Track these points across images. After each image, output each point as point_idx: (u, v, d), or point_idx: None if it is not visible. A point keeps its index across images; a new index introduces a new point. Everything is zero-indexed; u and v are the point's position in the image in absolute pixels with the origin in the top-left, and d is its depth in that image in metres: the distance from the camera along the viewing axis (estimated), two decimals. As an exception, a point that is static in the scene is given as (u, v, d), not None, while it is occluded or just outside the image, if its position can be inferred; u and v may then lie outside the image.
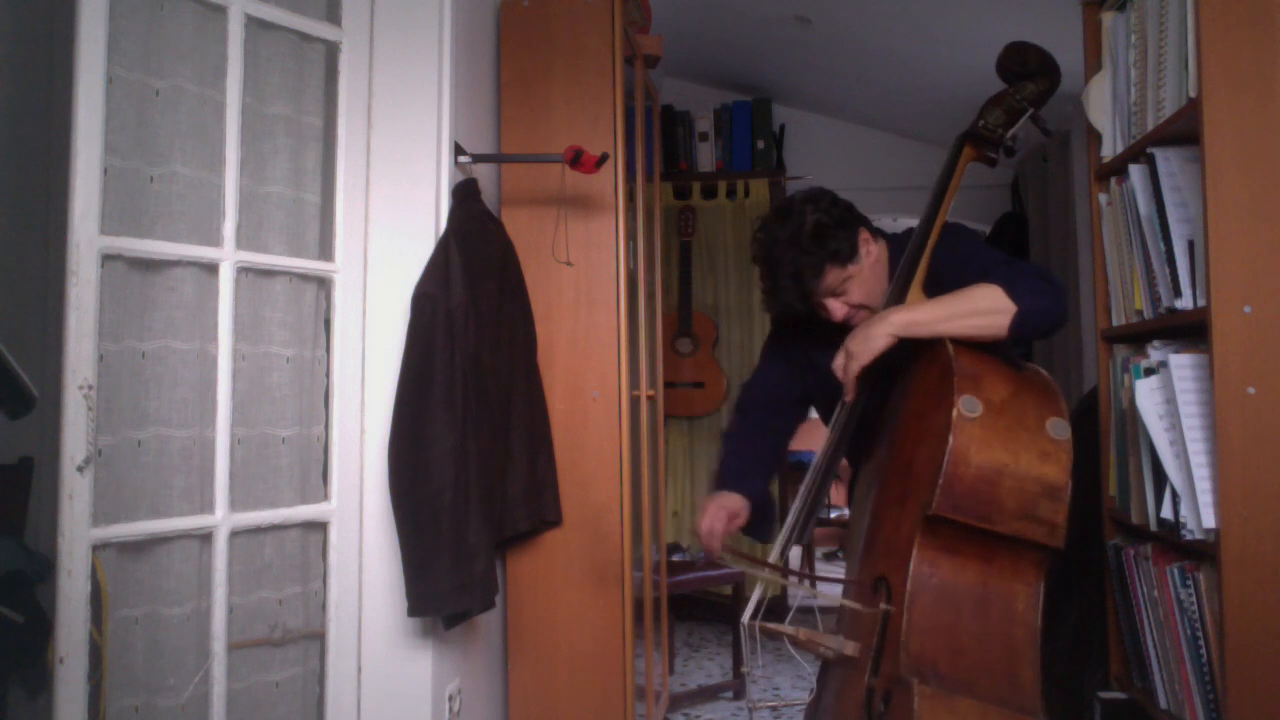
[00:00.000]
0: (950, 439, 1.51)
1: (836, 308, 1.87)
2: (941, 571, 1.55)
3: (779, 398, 2.08)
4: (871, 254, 1.89)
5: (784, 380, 2.07)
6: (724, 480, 2.00)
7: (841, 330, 1.86)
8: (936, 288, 1.76)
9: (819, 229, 1.83)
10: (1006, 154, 1.88)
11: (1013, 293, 1.65)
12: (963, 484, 1.51)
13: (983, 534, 1.53)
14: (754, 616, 1.78)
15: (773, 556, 1.83)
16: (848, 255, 1.84)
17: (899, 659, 1.50)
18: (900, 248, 1.90)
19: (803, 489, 1.85)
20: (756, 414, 2.09)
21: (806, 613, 2.03)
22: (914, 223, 1.91)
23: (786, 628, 1.68)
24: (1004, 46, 1.90)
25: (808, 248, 1.82)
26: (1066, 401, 1.60)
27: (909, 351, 1.73)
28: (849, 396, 1.77)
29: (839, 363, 1.75)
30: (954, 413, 1.52)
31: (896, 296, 1.80)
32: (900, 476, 1.67)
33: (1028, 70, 1.87)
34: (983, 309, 1.66)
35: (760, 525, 2.00)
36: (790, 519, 1.84)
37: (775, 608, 1.84)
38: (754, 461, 2.05)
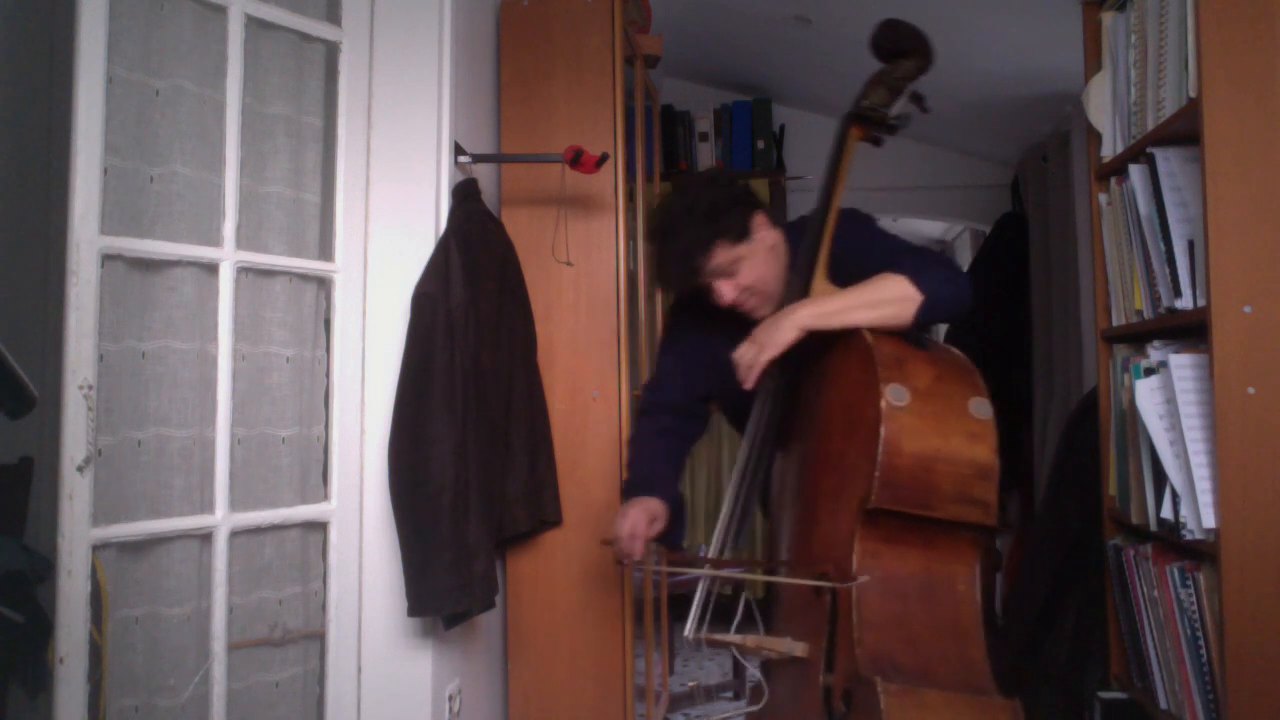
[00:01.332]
0: (882, 430, 1.51)
1: (726, 289, 1.82)
2: (885, 562, 1.54)
3: (682, 397, 2.02)
4: (767, 239, 1.85)
5: (684, 378, 2.01)
6: (638, 487, 1.92)
7: (740, 321, 1.81)
8: (838, 275, 1.74)
9: (713, 206, 1.80)
10: (890, 132, 1.87)
11: (918, 281, 1.66)
12: (900, 474, 1.51)
13: (922, 521, 1.53)
14: (699, 628, 1.73)
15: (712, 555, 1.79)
16: (739, 233, 1.80)
17: (854, 656, 1.48)
18: (796, 236, 1.86)
19: (731, 488, 1.81)
20: (660, 417, 2.02)
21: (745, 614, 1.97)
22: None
23: (733, 636, 1.65)
24: (878, 24, 1.86)
25: (701, 221, 1.79)
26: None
27: (819, 343, 1.70)
28: (748, 385, 1.72)
29: (746, 352, 1.71)
30: (882, 403, 1.52)
31: (800, 286, 1.76)
32: (831, 471, 1.65)
33: (901, 47, 1.85)
34: (888, 298, 1.66)
35: (676, 529, 1.93)
36: (723, 521, 1.80)
37: (717, 611, 1.80)
38: (665, 465, 1.98)
